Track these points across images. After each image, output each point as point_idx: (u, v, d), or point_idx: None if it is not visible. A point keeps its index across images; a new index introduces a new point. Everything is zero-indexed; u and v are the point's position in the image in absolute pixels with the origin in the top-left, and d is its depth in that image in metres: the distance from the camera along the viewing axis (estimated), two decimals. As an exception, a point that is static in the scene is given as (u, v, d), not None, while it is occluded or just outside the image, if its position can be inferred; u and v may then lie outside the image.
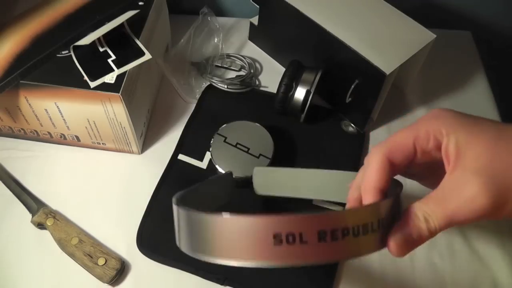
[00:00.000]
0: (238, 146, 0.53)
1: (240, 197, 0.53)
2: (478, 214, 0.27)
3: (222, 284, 0.48)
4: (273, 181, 0.50)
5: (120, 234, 0.50)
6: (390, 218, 0.29)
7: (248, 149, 0.53)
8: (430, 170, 0.33)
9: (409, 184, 0.39)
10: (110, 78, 0.47)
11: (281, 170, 0.50)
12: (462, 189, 0.28)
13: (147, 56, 0.50)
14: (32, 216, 0.50)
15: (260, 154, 0.52)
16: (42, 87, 0.47)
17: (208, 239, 0.28)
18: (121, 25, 0.50)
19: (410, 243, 0.29)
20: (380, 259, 0.50)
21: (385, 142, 0.31)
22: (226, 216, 0.27)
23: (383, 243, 0.29)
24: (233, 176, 0.51)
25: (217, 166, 0.52)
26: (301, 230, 0.25)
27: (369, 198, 0.30)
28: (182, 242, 0.30)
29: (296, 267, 0.26)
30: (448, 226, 0.28)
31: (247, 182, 0.53)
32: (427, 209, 0.29)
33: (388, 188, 0.31)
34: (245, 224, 0.26)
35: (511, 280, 0.49)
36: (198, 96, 0.62)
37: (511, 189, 0.27)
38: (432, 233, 0.29)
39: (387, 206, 0.29)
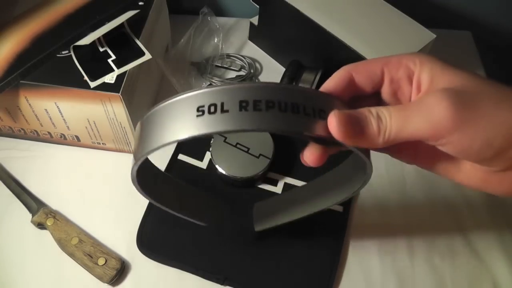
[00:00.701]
0: (238, 146, 0.53)
1: (240, 197, 0.53)
2: (435, 125, 0.25)
3: (222, 284, 0.48)
4: (273, 211, 0.48)
5: (120, 234, 0.50)
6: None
7: (248, 149, 0.53)
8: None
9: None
10: (110, 78, 0.47)
11: (280, 196, 0.50)
12: (423, 100, 0.26)
13: (147, 56, 0.50)
14: (32, 216, 0.50)
15: (260, 154, 0.52)
16: (42, 87, 0.47)
17: (156, 127, 0.28)
18: (121, 25, 0.51)
19: (354, 127, 0.26)
20: (380, 259, 0.50)
21: (350, 64, 0.29)
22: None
23: (319, 128, 0.26)
24: (233, 176, 0.51)
25: (217, 166, 0.52)
26: (222, 100, 0.25)
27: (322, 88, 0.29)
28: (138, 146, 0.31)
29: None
30: (400, 135, 0.26)
31: (247, 182, 0.53)
32: (383, 109, 0.27)
33: (348, 93, 0.29)
34: (177, 103, 0.27)
35: (511, 280, 0.49)
36: (198, 96, 0.62)
37: (474, 110, 0.25)
38: (380, 133, 0.26)
39: (332, 101, 0.28)
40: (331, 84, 0.29)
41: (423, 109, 0.26)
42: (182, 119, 0.26)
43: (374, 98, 0.30)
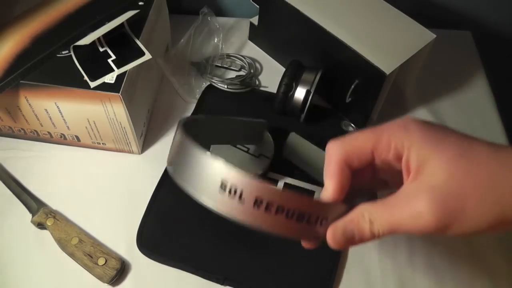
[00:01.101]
0: (238, 146, 0.53)
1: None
2: (422, 230, 0.27)
3: (222, 284, 0.48)
4: (302, 151, 0.52)
5: (120, 234, 0.50)
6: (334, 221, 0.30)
7: (248, 149, 0.53)
8: (392, 176, 0.32)
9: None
10: (110, 78, 0.47)
11: (312, 147, 0.52)
12: (412, 202, 0.28)
13: (147, 56, 0.50)
14: (32, 216, 0.50)
15: (260, 154, 0.52)
16: (42, 87, 0.47)
17: (187, 169, 0.31)
18: (121, 25, 0.51)
19: (350, 239, 0.29)
20: (380, 259, 0.50)
21: (343, 142, 0.31)
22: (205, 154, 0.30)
23: (316, 238, 0.30)
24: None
25: None
26: (242, 188, 0.28)
27: (327, 195, 0.31)
28: (172, 165, 0.33)
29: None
30: (391, 234, 0.28)
31: None
32: (374, 212, 0.29)
33: (349, 185, 0.31)
34: (205, 162, 0.30)
35: (511, 280, 0.49)
36: (198, 96, 0.62)
37: (459, 211, 0.27)
38: (374, 236, 0.29)
39: (334, 209, 0.30)
40: (335, 187, 0.30)
41: (411, 212, 0.27)
42: (208, 183, 0.29)
43: (370, 168, 0.31)
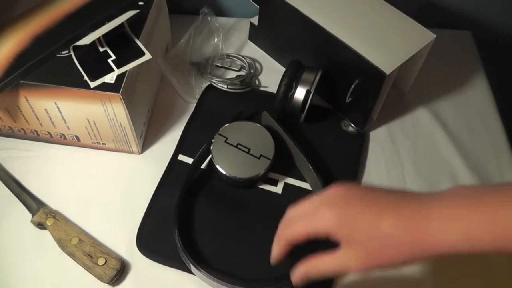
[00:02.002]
0: (239, 146, 0.53)
1: (240, 197, 0.53)
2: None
3: (222, 284, 0.48)
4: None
5: (120, 234, 0.50)
6: None
7: (249, 149, 0.53)
8: None
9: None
10: (110, 78, 0.47)
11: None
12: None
13: (147, 56, 0.50)
14: (32, 216, 0.50)
15: (261, 155, 0.52)
16: (42, 87, 0.47)
17: None
18: (121, 25, 0.51)
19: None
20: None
21: (284, 235, 0.39)
22: None
23: None
24: (234, 176, 0.52)
25: (217, 167, 0.52)
26: None
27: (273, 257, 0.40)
28: None
29: None
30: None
31: (248, 182, 0.53)
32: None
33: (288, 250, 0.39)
34: None
35: (511, 279, 0.49)
36: (198, 96, 0.62)
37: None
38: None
39: None
40: (277, 257, 0.40)
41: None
42: None
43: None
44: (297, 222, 0.38)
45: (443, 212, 0.33)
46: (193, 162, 0.54)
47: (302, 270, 0.38)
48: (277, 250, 0.39)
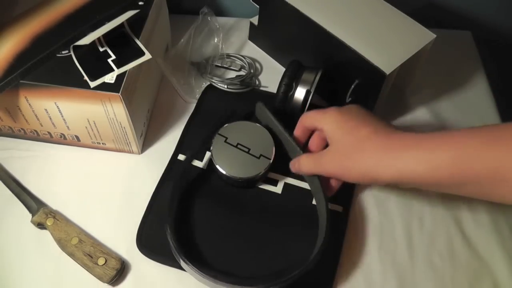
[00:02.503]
0: (239, 146, 0.53)
1: (240, 197, 0.53)
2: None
3: (222, 284, 0.48)
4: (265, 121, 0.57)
5: (120, 234, 0.50)
6: None
7: (249, 149, 0.53)
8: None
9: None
10: (110, 78, 0.47)
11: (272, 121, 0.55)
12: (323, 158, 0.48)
13: (147, 56, 0.50)
14: (32, 216, 0.50)
15: (261, 155, 0.52)
16: (42, 87, 0.47)
17: None
18: (121, 25, 0.51)
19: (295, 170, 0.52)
20: (380, 259, 0.50)
21: (302, 117, 0.51)
22: None
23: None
24: (233, 176, 0.52)
25: (217, 166, 0.52)
26: None
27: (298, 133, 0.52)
28: None
29: None
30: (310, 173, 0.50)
31: (248, 182, 0.53)
32: (304, 160, 0.50)
33: (306, 135, 0.52)
34: None
35: (511, 280, 0.49)
36: (198, 96, 0.62)
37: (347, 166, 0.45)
38: (300, 172, 0.51)
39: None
40: (297, 132, 0.52)
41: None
42: None
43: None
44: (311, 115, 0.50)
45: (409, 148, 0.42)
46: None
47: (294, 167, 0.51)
48: (296, 130, 0.52)
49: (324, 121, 0.47)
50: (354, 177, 0.45)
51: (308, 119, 0.50)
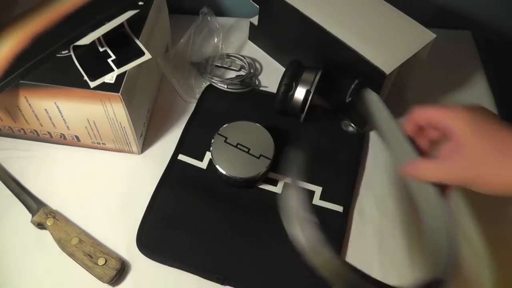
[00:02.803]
0: (238, 146, 0.53)
1: (240, 197, 0.53)
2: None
3: (222, 284, 0.48)
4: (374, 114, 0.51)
5: (120, 234, 0.50)
6: None
7: (249, 149, 0.52)
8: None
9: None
10: (110, 78, 0.47)
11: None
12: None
13: (147, 56, 0.50)
14: (32, 216, 0.50)
15: (261, 155, 0.52)
16: (42, 87, 0.47)
17: None
18: (121, 25, 0.50)
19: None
20: (380, 259, 0.50)
21: (415, 112, 0.44)
22: None
23: None
24: (233, 176, 0.51)
25: (217, 167, 0.52)
26: None
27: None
28: None
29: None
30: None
31: (248, 182, 0.53)
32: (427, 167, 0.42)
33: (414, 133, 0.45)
34: None
35: (511, 280, 0.49)
36: (198, 96, 0.62)
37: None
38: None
39: None
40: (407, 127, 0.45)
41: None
42: None
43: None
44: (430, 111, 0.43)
45: None
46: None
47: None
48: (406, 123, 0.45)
49: (453, 120, 0.40)
50: (494, 188, 0.38)
51: (426, 115, 0.43)
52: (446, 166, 0.40)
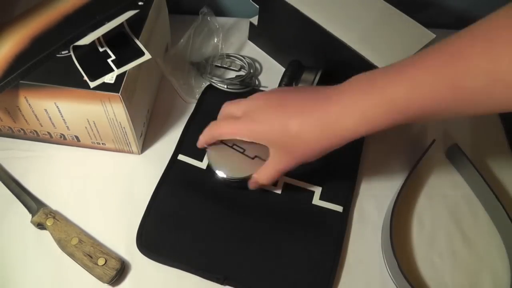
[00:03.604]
0: (234, 147, 0.53)
1: (239, 197, 0.53)
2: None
3: (222, 284, 0.48)
4: None
5: (120, 234, 0.50)
6: None
7: (244, 150, 0.52)
8: None
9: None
10: (110, 78, 0.47)
11: None
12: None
13: (147, 56, 0.50)
14: (32, 216, 0.50)
15: (256, 156, 0.52)
16: (42, 87, 0.47)
17: None
18: (121, 25, 0.50)
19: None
20: (380, 259, 0.50)
21: (211, 132, 0.49)
22: None
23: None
24: (228, 177, 0.51)
25: (213, 167, 0.52)
26: None
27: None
28: None
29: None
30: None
31: (241, 183, 0.53)
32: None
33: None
34: None
35: (510, 280, 0.49)
36: (198, 96, 0.62)
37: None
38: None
39: None
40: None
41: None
42: None
43: None
44: (224, 126, 0.48)
45: (341, 101, 0.40)
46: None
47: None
48: (202, 139, 0.50)
49: (242, 134, 0.47)
50: (305, 147, 0.43)
51: (220, 133, 0.49)
52: (273, 162, 0.46)
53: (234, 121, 0.47)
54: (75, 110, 0.50)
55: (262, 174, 0.48)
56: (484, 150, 0.59)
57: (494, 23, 0.33)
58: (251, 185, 0.49)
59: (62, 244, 0.48)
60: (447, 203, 0.55)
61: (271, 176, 0.47)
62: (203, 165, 0.56)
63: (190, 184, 0.54)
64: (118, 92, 0.46)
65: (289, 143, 0.43)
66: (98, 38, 0.50)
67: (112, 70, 0.48)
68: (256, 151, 0.52)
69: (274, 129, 0.43)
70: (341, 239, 0.51)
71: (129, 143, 0.55)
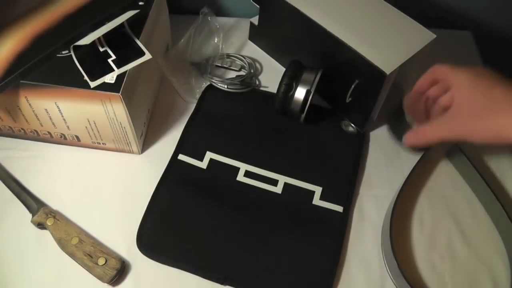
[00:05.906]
0: None
1: (240, 197, 0.53)
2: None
3: (222, 283, 0.48)
4: None
5: (120, 234, 0.51)
6: None
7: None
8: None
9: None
10: (110, 78, 0.47)
11: None
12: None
13: (147, 56, 0.50)
14: (32, 216, 0.50)
15: None
16: (42, 87, 0.47)
17: None
18: (121, 25, 0.51)
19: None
20: (380, 259, 0.50)
21: (434, 72, 0.49)
22: None
23: None
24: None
25: None
26: None
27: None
28: None
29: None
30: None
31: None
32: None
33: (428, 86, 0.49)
34: None
35: (510, 280, 0.49)
36: (198, 96, 0.62)
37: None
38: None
39: None
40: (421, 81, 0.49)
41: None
42: None
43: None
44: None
45: None
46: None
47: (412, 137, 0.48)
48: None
49: (457, 79, 0.46)
50: (484, 138, 0.43)
51: (442, 72, 0.48)
52: (446, 123, 0.45)
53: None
54: (76, 110, 0.50)
55: (434, 127, 0.46)
56: (484, 150, 0.59)
57: None
58: (414, 137, 0.48)
59: (62, 244, 0.48)
60: (447, 203, 0.55)
61: (445, 132, 0.45)
62: (203, 164, 0.56)
63: (190, 184, 0.54)
64: (119, 92, 0.46)
65: (487, 105, 0.43)
66: (99, 38, 0.50)
67: (113, 70, 0.48)
68: None
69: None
70: (341, 239, 0.51)
71: (130, 143, 0.55)
